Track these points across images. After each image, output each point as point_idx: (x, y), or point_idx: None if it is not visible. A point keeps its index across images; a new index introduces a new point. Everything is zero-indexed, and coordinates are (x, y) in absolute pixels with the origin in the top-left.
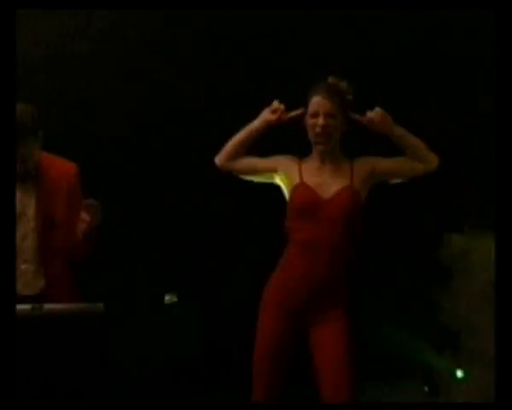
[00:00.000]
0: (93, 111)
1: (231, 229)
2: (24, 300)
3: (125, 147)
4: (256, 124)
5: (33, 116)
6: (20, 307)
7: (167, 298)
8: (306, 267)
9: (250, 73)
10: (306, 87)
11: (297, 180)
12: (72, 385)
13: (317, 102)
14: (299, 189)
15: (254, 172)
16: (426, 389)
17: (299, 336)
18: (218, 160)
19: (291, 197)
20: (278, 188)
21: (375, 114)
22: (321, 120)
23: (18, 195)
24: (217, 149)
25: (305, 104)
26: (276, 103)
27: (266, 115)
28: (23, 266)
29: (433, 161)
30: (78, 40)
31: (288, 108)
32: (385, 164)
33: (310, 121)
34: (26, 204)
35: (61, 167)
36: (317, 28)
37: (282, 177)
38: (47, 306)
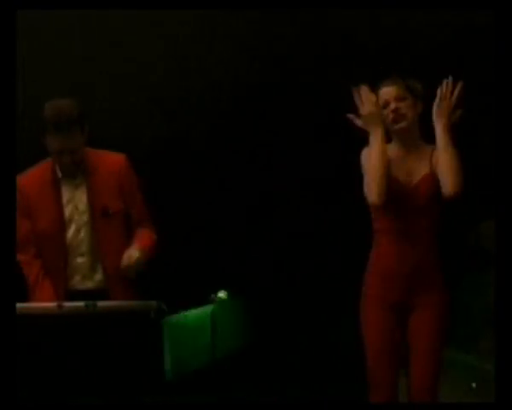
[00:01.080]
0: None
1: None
2: (79, 295)
3: (186, 144)
4: (375, 146)
5: (79, 109)
6: (73, 304)
7: (218, 295)
8: (400, 256)
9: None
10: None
11: None
12: (122, 382)
13: (384, 92)
14: None
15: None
16: (473, 385)
17: (402, 330)
18: (379, 200)
19: None
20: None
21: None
22: (392, 105)
23: (68, 189)
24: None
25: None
26: (366, 96)
27: (373, 126)
28: (79, 260)
29: (451, 191)
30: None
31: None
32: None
33: (384, 113)
34: (77, 198)
35: (110, 160)
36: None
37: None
38: (100, 303)
